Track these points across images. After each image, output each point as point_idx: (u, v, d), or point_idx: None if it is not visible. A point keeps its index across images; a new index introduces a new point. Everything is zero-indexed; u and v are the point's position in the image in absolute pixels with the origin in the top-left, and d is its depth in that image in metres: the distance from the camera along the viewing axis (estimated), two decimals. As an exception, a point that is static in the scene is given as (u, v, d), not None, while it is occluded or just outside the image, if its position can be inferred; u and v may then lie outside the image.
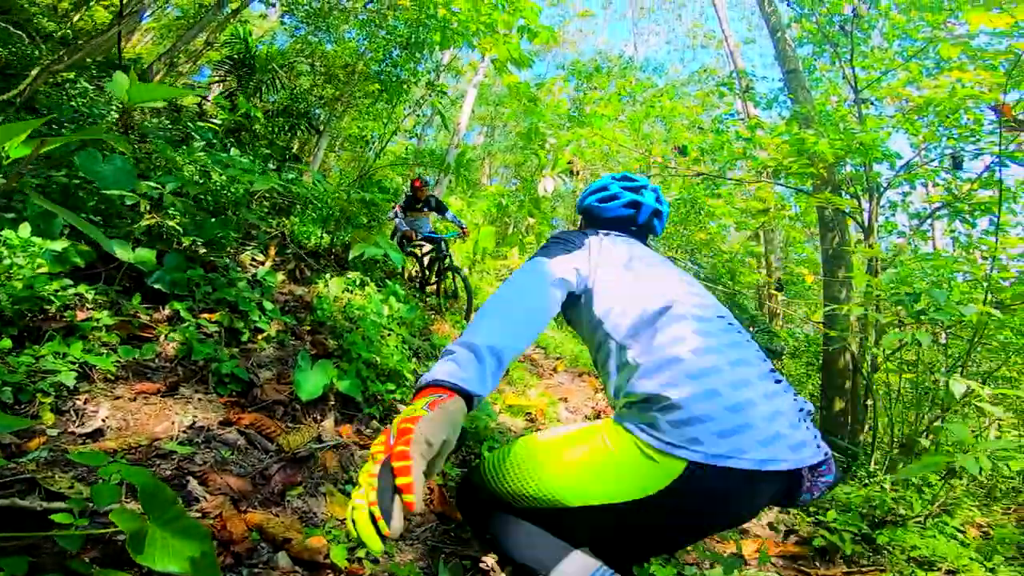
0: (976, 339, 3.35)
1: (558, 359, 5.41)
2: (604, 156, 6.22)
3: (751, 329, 5.26)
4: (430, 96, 7.59)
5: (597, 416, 4.57)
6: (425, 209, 6.76)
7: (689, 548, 2.66)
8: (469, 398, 1.01)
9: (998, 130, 4.15)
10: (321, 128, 7.97)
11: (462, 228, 6.58)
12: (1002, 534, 3.23)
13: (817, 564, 2.99)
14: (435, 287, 6.40)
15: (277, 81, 7.50)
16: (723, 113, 7.15)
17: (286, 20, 9.62)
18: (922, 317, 2.97)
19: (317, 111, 8.12)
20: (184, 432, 2.05)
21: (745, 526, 3.08)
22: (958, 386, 2.66)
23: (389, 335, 3.32)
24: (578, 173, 5.83)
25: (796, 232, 6.97)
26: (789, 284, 6.55)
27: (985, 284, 3.22)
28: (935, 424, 3.11)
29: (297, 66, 8.64)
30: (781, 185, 5.37)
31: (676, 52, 30.60)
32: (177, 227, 2.50)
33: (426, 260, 6.65)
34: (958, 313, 2.76)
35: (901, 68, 5.75)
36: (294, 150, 8.10)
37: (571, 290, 1.34)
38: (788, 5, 6.32)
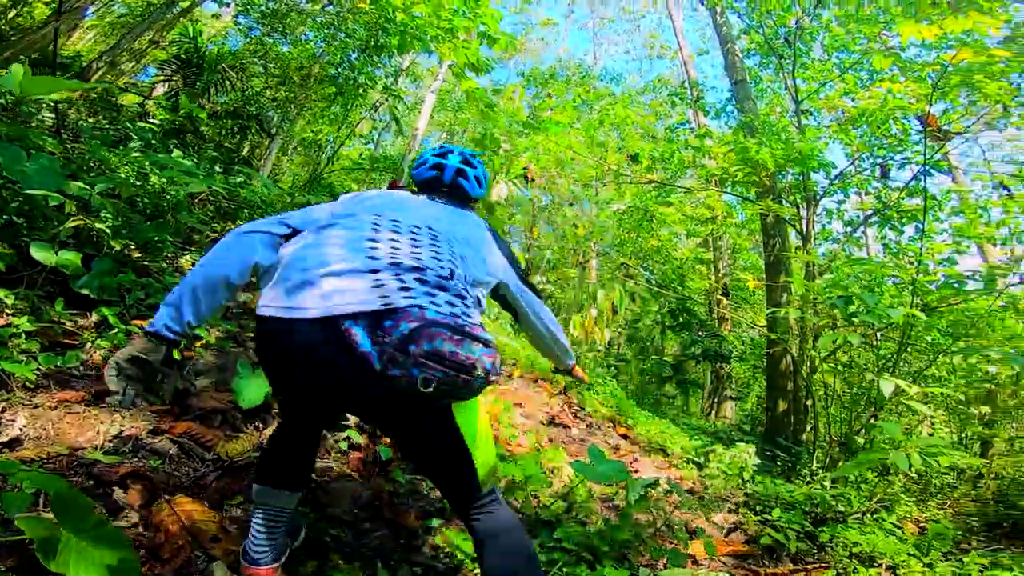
0: (905, 340, 3.54)
1: (513, 365, 5.43)
2: (559, 163, 6.34)
3: (699, 334, 5.42)
4: (387, 101, 7.53)
5: (552, 421, 4.60)
6: None
7: (641, 549, 2.69)
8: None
9: (923, 140, 4.43)
10: (273, 131, 7.79)
11: None
12: (936, 529, 3.38)
13: (766, 562, 3.06)
14: None
15: (227, 82, 7.29)
16: (676, 122, 7.37)
17: (240, 20, 9.37)
18: (853, 320, 3.12)
19: (270, 113, 7.93)
20: (110, 441, 1.97)
21: (697, 526, 3.13)
22: (887, 385, 2.81)
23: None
24: (533, 180, 5.91)
25: (742, 239, 7.24)
26: (735, 290, 6.79)
27: (907, 288, 3.41)
28: (869, 423, 3.26)
29: (250, 67, 8.43)
30: (727, 193, 5.56)
31: (634, 62, 31.41)
32: (107, 230, 2.39)
33: None
34: (886, 315, 2.92)
35: (838, 80, 6.05)
36: (244, 153, 7.88)
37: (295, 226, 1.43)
38: (739, 17, 6.57)
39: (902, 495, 4.75)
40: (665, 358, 6.34)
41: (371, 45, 7.06)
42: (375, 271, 1.21)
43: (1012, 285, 3.80)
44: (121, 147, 3.60)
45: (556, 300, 9.05)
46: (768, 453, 4.62)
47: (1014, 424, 4.63)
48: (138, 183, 3.17)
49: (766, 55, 6.77)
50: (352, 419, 2.84)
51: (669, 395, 6.58)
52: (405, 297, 1.16)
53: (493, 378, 1.15)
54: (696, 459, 4.15)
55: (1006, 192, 4.53)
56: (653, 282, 6.20)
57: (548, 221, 13.87)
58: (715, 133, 6.45)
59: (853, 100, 5.88)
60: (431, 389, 1.07)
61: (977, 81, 4.25)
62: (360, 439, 2.79)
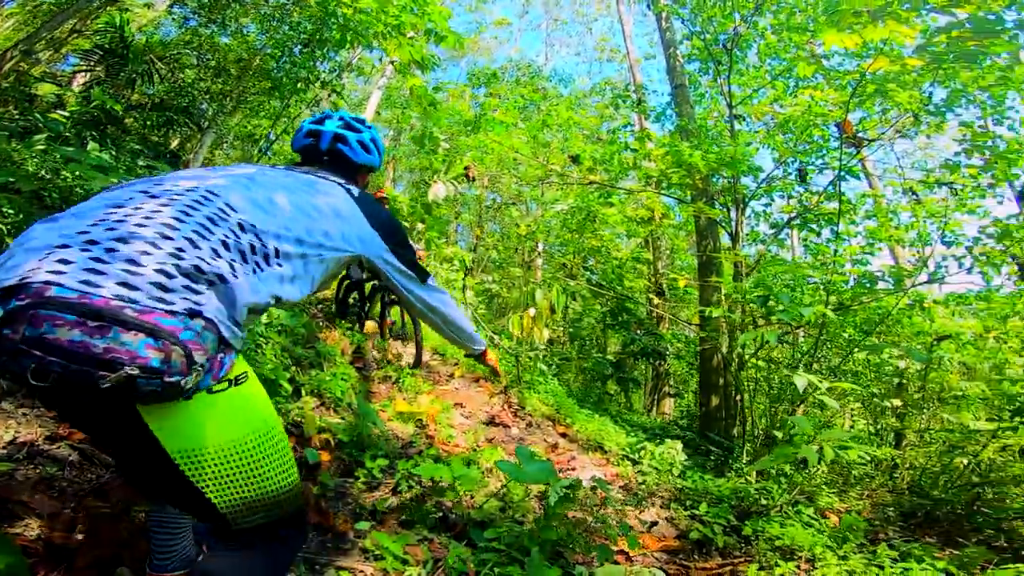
0: (820, 337, 3.74)
1: (455, 365, 5.42)
2: (503, 163, 6.36)
3: (638, 332, 5.57)
4: (329, 96, 7.34)
5: (491, 421, 4.61)
6: None
7: (576, 548, 2.72)
8: None
9: (840, 146, 4.70)
10: (205, 124, 7.46)
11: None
12: (848, 521, 3.54)
13: (696, 557, 3.13)
14: (379, 325, 5.23)
15: (155, 73, 6.93)
16: (620, 125, 7.53)
17: (176, 10, 8.95)
18: (771, 317, 3.27)
19: (203, 106, 7.59)
20: (4, 448, 1.85)
21: (623, 522, 3.17)
22: (800, 381, 2.96)
23: (266, 343, 3.16)
24: (474, 179, 5.90)
25: (680, 240, 7.51)
26: (673, 289, 7.01)
27: (822, 287, 3.63)
28: (784, 417, 3.43)
29: (183, 58, 8.05)
30: (664, 194, 5.73)
31: (584, 64, 31.90)
32: (2, 227, 2.24)
33: (368, 287, 5.36)
34: (798, 313, 3.08)
35: (769, 86, 6.31)
36: (173, 146, 7.51)
37: None
38: (682, 23, 6.75)
39: (824, 487, 5.01)
40: (608, 356, 6.48)
41: (315, 39, 6.88)
42: (64, 246, 0.96)
43: (918, 284, 4.10)
44: (28, 139, 3.37)
45: (503, 299, 9.08)
46: (702, 449, 4.78)
47: (923, 416, 4.97)
48: (46, 176, 2.97)
49: (705, 61, 6.98)
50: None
51: (611, 393, 6.73)
52: (52, 271, 0.91)
53: (179, 379, 0.91)
54: (632, 456, 4.24)
55: (915, 197, 4.87)
56: (594, 281, 6.33)
57: (496, 220, 13.87)
58: (655, 136, 6.62)
59: (781, 107, 6.16)
60: (48, 384, 0.85)
61: (890, 90, 4.53)
62: (285, 443, 2.71)
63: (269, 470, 1.11)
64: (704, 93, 8.13)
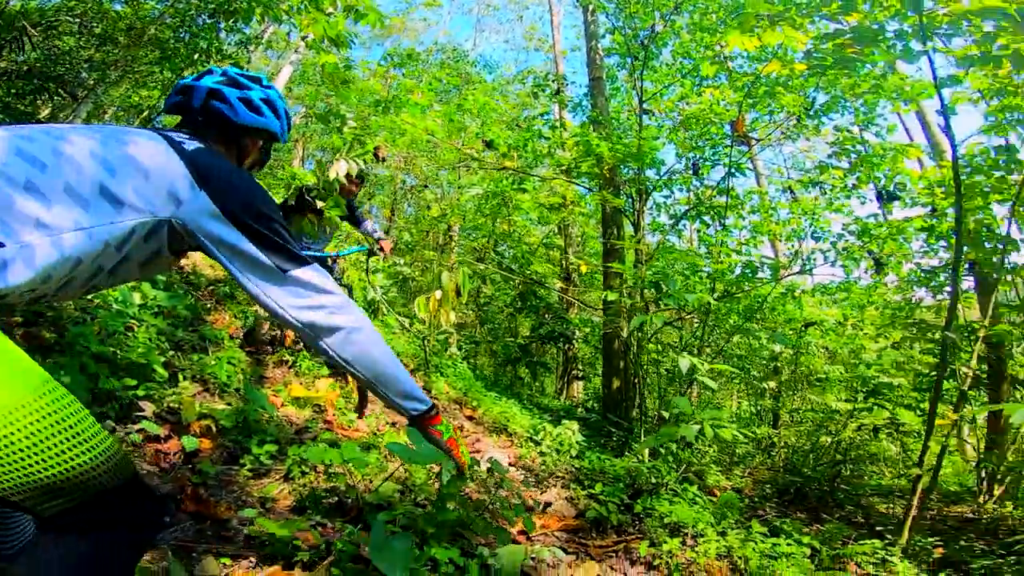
0: (707, 322, 4.02)
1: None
2: (414, 144, 6.27)
3: (546, 316, 5.73)
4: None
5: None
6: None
7: (475, 530, 2.74)
8: None
9: (731, 144, 5.05)
10: (81, 93, 6.73)
11: (379, 243, 4.26)
12: (725, 498, 3.81)
13: (594, 535, 3.22)
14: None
15: (27, 40, 6.15)
16: (539, 113, 7.64)
17: (58, -26, 7.95)
18: (661, 302, 3.48)
19: (83, 75, 6.82)
20: None
21: (517, 503, 3.24)
22: (684, 362, 3.16)
23: (140, 326, 2.93)
24: (384, 159, 5.74)
25: (590, 228, 7.79)
26: (586, 275, 7.26)
27: (710, 276, 3.92)
28: (669, 398, 3.66)
29: (62, 25, 7.19)
30: (573, 182, 5.90)
31: (513, 52, 31.95)
32: None
33: None
34: (683, 299, 3.30)
35: (678, 84, 6.63)
36: (43, 116, 6.73)
37: None
38: (606, 16, 6.89)
39: (712, 466, 5.39)
40: (519, 340, 6.61)
41: (221, 9, 6.35)
42: None
43: (790, 275, 4.52)
44: None
45: (416, 283, 8.99)
46: (605, 430, 5.00)
47: (795, 397, 5.50)
48: None
49: (624, 55, 7.18)
50: (148, 408, 2.59)
51: (523, 377, 6.89)
52: None
53: None
54: (535, 438, 4.36)
55: (792, 196, 5.34)
56: (504, 265, 6.41)
57: (411, 203, 13.62)
58: (569, 125, 6.77)
59: (687, 104, 6.49)
60: None
61: (778, 92, 4.91)
62: (159, 430, 2.56)
63: (47, 447, 0.92)
64: (620, 87, 8.41)
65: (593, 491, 3.57)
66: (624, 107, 8.16)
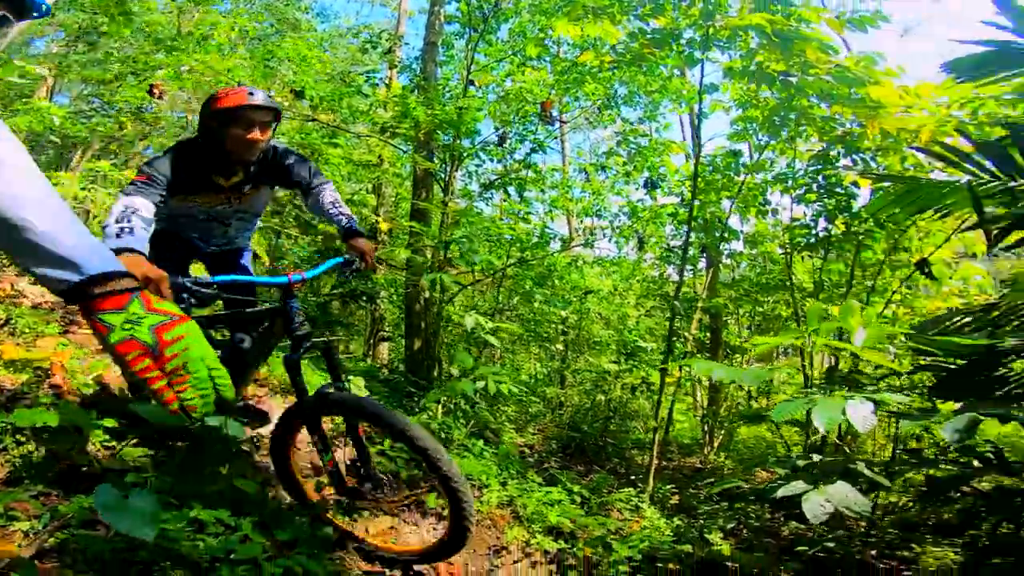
0: (502, 284, 4.29)
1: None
2: (198, 86, 5.55)
3: (347, 274, 5.51)
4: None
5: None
6: (254, 187, 2.65)
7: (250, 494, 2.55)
8: None
9: (538, 123, 5.42)
10: None
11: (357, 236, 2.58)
12: (503, 451, 4.14)
13: (384, 492, 3.37)
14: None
15: None
16: (367, 70, 7.27)
17: None
18: (453, 262, 3.62)
19: None
20: None
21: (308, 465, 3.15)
22: (468, 320, 3.34)
23: None
24: (162, 96, 5.00)
25: (403, 190, 7.76)
26: (392, 235, 7.22)
27: (507, 241, 4.20)
28: (458, 353, 3.85)
29: None
30: (389, 143, 5.79)
31: (356, 3, 29.53)
32: None
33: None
34: (471, 261, 3.48)
35: (508, 60, 6.81)
36: None
37: None
38: None
39: (507, 423, 5.84)
40: (319, 299, 6.34)
41: None
42: None
43: (576, 247, 5.09)
44: None
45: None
46: (408, 390, 5.07)
47: (578, 358, 6.24)
48: None
49: (464, 25, 7.12)
50: None
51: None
52: None
53: None
54: (324, 396, 4.23)
55: (585, 177, 5.95)
56: (303, 220, 6.06)
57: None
58: (397, 86, 6.56)
59: (512, 81, 6.71)
60: None
61: (586, 80, 5.35)
62: None
63: None
64: (455, 56, 8.36)
65: (383, 447, 3.63)
66: (454, 75, 8.15)
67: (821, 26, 4.28)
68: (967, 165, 2.63)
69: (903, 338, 2.92)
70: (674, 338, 4.51)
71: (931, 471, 3.00)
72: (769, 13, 4.10)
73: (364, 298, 5.25)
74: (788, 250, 4.60)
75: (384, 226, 5.60)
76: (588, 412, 5.99)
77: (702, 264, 5.41)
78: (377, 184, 6.90)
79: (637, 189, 5.74)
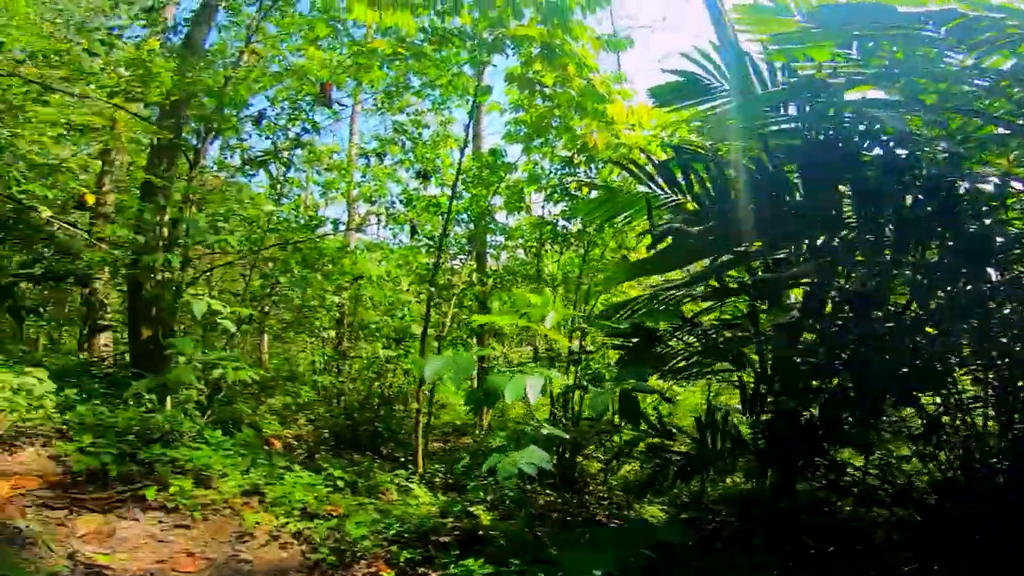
0: (255, 266, 3.94)
1: None
2: None
3: (45, 250, 4.45)
4: None
5: None
6: None
7: None
8: None
9: (314, 104, 5.16)
10: None
11: None
12: (242, 437, 3.86)
13: (90, 488, 2.94)
14: None
15: None
16: (114, 26, 6.13)
17: None
18: (186, 243, 3.21)
19: None
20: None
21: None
22: (198, 305, 3.01)
23: None
24: None
25: (140, 158, 6.72)
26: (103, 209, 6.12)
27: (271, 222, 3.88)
28: (179, 341, 3.45)
29: None
30: (121, 107, 4.95)
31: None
32: None
33: None
34: (205, 239, 3.13)
35: (300, 34, 6.29)
36: None
37: None
38: None
39: (268, 415, 5.42)
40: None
41: None
42: None
43: (348, 231, 4.96)
44: None
45: None
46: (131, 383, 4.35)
47: (353, 346, 6.08)
48: None
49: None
50: None
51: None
52: None
53: None
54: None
55: (367, 161, 5.85)
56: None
57: None
58: (152, 42, 5.63)
59: (302, 56, 6.23)
60: None
61: (374, 67, 5.21)
62: None
63: None
64: (243, 21, 7.50)
65: (81, 443, 3.12)
66: (233, 42, 7.32)
67: (589, 45, 4.80)
68: (647, 180, 3.13)
69: (583, 321, 3.41)
70: (446, 322, 4.67)
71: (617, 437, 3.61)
72: (547, 27, 4.48)
73: (71, 279, 4.35)
74: (537, 245, 5.07)
75: (90, 199, 4.75)
76: (365, 400, 5.88)
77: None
78: (106, 150, 5.83)
79: (413, 177, 5.80)
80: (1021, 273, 2.51)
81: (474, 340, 5.84)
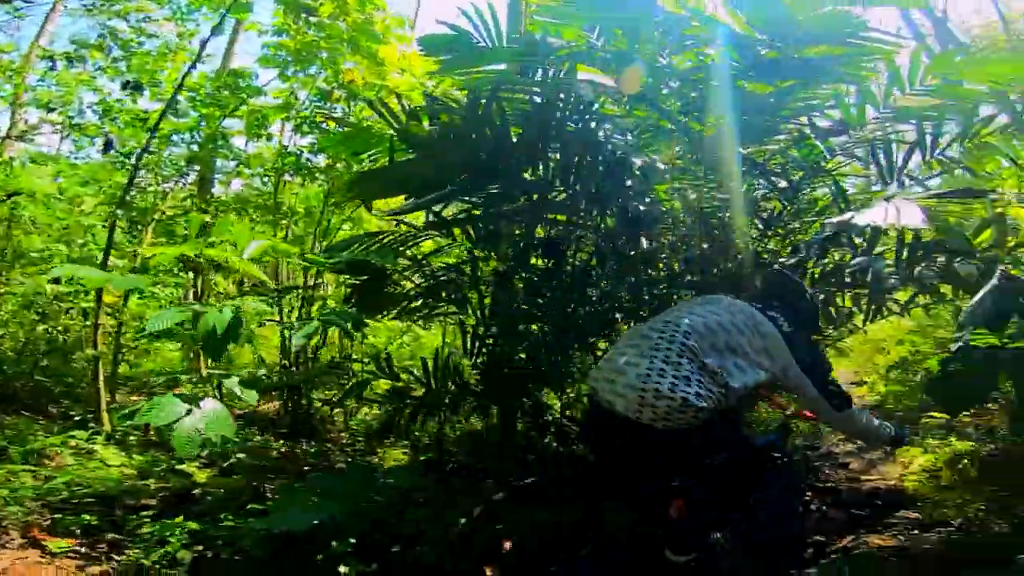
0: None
1: None
2: None
3: None
4: None
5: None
6: None
7: None
8: None
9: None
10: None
11: None
12: None
13: None
14: None
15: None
16: None
17: None
18: None
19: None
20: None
21: None
22: None
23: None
24: None
25: None
26: None
27: None
28: None
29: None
30: None
31: None
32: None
33: None
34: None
35: None
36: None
37: None
38: None
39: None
40: None
41: None
42: None
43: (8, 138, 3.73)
44: None
45: None
46: None
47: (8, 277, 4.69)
48: None
49: None
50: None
51: None
52: None
53: None
54: None
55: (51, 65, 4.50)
56: None
57: None
58: None
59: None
60: None
61: None
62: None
63: None
64: None
65: None
66: None
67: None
68: (396, 124, 3.11)
69: (299, 259, 3.30)
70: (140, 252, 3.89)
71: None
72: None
73: None
74: (276, 175, 4.65)
75: None
76: (24, 346, 4.62)
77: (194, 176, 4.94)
78: None
79: (123, 88, 4.69)
80: (665, 243, 3.24)
81: (189, 275, 5.07)
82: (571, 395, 3.60)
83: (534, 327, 3.22)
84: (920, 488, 2.88)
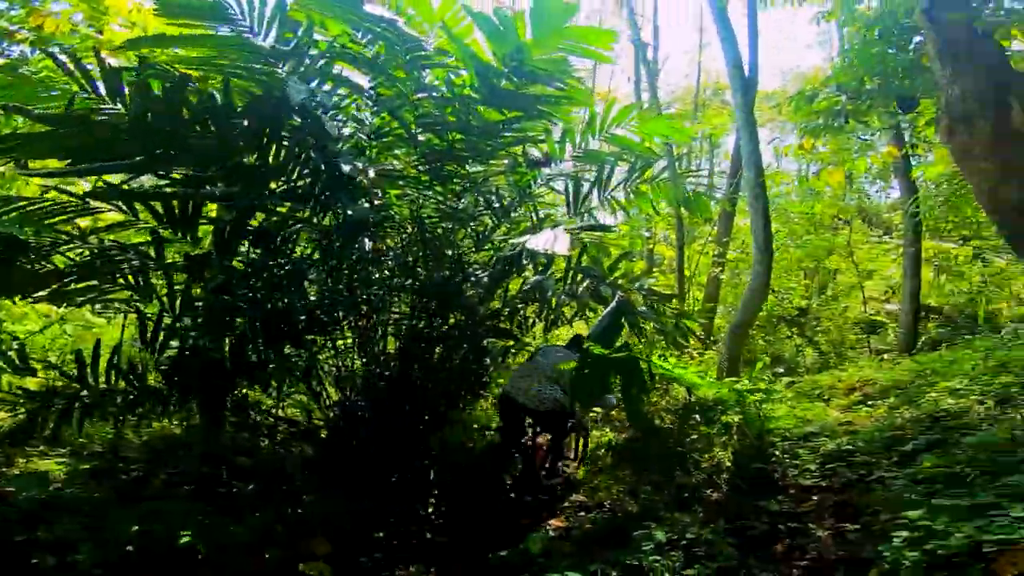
0: None
1: None
2: None
3: None
4: None
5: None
6: None
7: None
8: None
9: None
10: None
11: None
12: None
13: None
14: None
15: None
16: None
17: None
18: None
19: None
20: None
21: None
22: None
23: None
24: None
25: None
26: None
27: None
28: None
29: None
30: None
31: None
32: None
33: None
34: None
35: None
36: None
37: None
38: None
39: None
40: None
41: None
42: None
43: None
44: None
45: None
46: None
47: None
48: None
49: None
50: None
51: None
52: None
53: None
54: None
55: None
56: None
57: None
58: None
59: None
60: None
61: None
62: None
63: None
64: None
65: None
66: None
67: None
68: (85, 81, 2.65)
69: None
70: None
71: None
72: None
73: None
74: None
75: None
76: None
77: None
78: None
79: None
80: (388, 247, 3.32)
81: None
82: (287, 392, 3.45)
83: (240, 320, 2.99)
84: (582, 475, 3.48)
